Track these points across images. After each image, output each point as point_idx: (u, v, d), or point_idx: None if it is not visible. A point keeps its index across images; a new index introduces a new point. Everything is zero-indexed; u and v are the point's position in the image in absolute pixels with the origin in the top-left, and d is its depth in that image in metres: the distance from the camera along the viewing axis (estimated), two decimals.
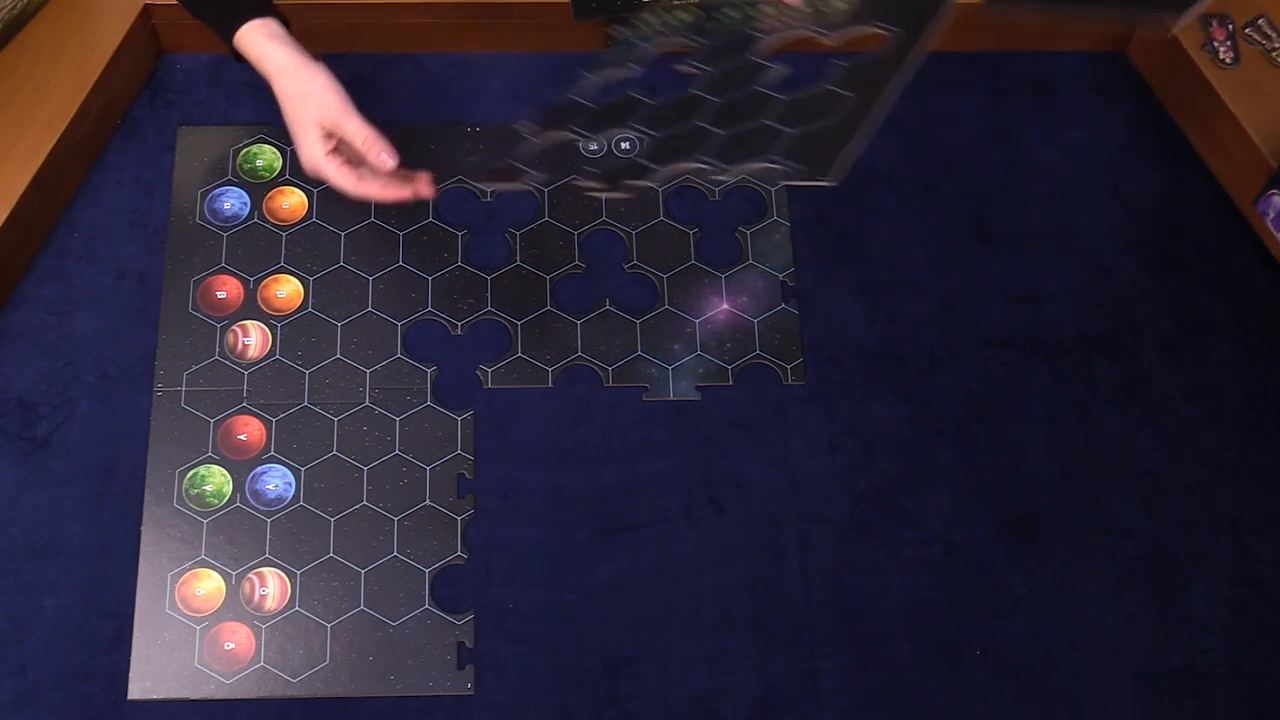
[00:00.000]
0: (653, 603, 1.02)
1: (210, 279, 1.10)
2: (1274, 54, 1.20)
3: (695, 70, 0.97)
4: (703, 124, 0.93)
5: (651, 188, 1.09)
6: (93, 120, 1.13)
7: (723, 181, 1.17)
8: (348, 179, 0.97)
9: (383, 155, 0.97)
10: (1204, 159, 1.23)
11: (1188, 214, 1.21)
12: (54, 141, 1.08)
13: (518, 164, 0.98)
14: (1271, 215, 1.15)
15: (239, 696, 0.97)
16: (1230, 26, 1.21)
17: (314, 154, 0.97)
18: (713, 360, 1.11)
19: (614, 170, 1.05)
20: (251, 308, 1.10)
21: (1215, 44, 1.21)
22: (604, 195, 1.14)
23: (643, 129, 0.95)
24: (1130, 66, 1.27)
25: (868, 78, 0.94)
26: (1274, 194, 1.14)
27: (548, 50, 1.23)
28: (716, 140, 0.92)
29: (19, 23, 1.13)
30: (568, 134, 0.98)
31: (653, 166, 0.92)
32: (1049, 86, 1.26)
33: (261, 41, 0.99)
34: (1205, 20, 1.22)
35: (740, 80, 0.96)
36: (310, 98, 0.97)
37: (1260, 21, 1.22)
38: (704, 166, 0.91)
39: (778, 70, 0.96)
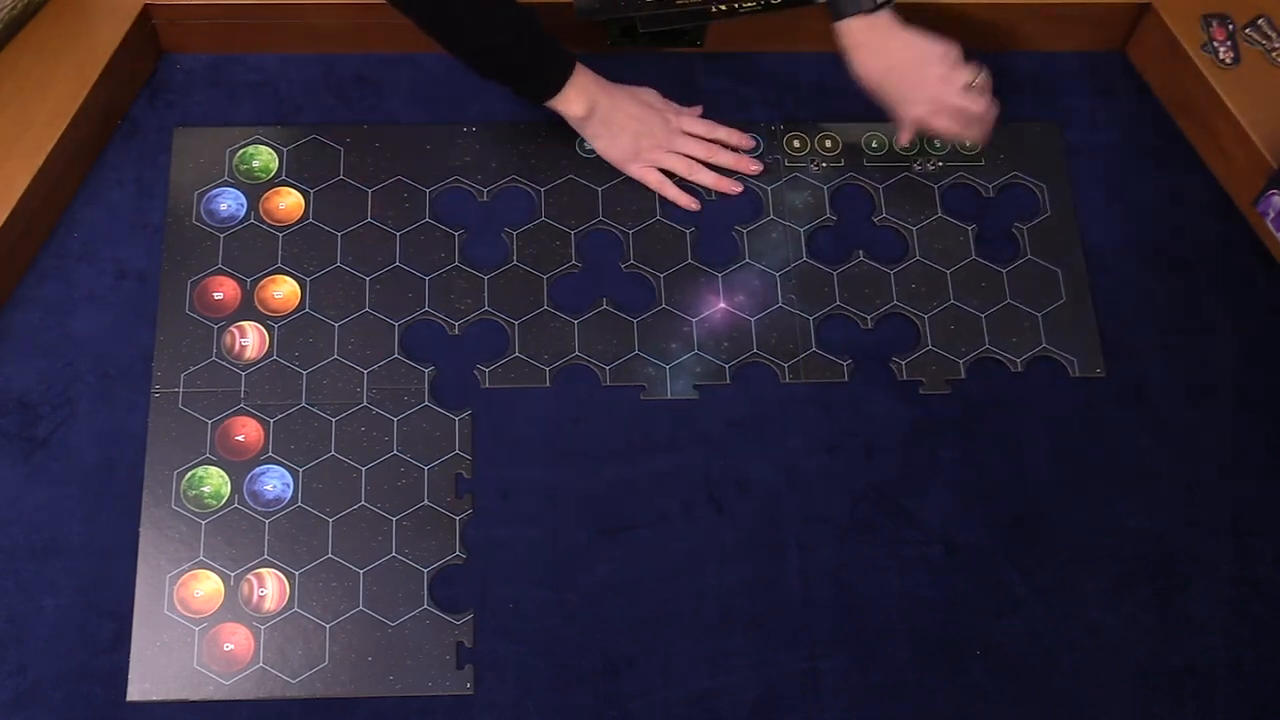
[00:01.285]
0: (652, 603, 1.02)
1: (207, 280, 1.10)
2: (1274, 54, 1.20)
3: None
4: None
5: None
6: (93, 120, 1.13)
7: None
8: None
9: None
10: (1204, 159, 1.22)
11: (1188, 214, 1.21)
12: (54, 141, 1.09)
13: None
14: (1271, 215, 1.15)
15: (238, 697, 0.97)
16: (1230, 26, 1.21)
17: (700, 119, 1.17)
18: (710, 359, 1.11)
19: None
20: (249, 309, 1.09)
21: (1215, 44, 1.20)
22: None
23: None
24: (1130, 66, 1.27)
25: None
26: (1274, 194, 1.14)
27: None
28: None
29: (19, 22, 1.13)
30: None
31: None
32: (1049, 86, 1.25)
33: (587, 73, 1.11)
34: (1205, 20, 1.22)
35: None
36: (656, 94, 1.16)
37: (1260, 21, 1.22)
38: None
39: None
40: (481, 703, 0.98)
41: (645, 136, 1.14)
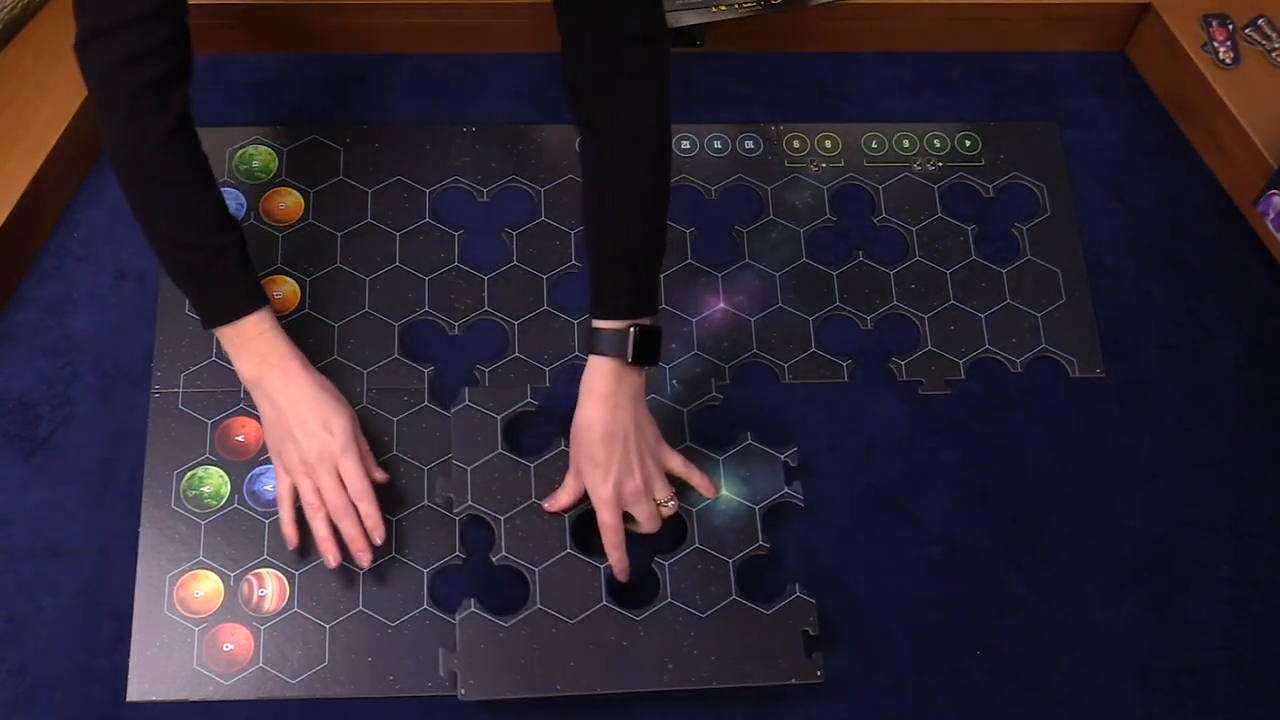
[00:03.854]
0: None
1: None
2: (1274, 54, 1.20)
3: None
4: None
5: None
6: (93, 120, 1.13)
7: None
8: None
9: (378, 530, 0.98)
10: (1204, 159, 1.22)
11: (1188, 214, 1.21)
12: (54, 141, 1.09)
13: None
14: (1271, 215, 1.15)
15: (238, 698, 0.97)
16: (1230, 26, 1.21)
17: (360, 472, 0.97)
18: (710, 359, 1.11)
19: None
20: None
21: (1215, 44, 1.20)
22: None
23: None
24: (1130, 66, 1.27)
25: None
26: (1274, 194, 1.14)
27: (548, 50, 1.23)
28: None
29: (19, 23, 1.13)
30: None
31: None
32: (1049, 86, 1.25)
33: (281, 341, 0.96)
34: (1205, 20, 1.22)
35: None
36: (351, 417, 0.98)
37: (1260, 21, 1.22)
38: None
39: None
40: (482, 702, 0.98)
41: (293, 443, 0.96)
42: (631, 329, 0.94)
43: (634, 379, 0.95)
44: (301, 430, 0.96)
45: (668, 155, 0.96)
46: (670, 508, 0.99)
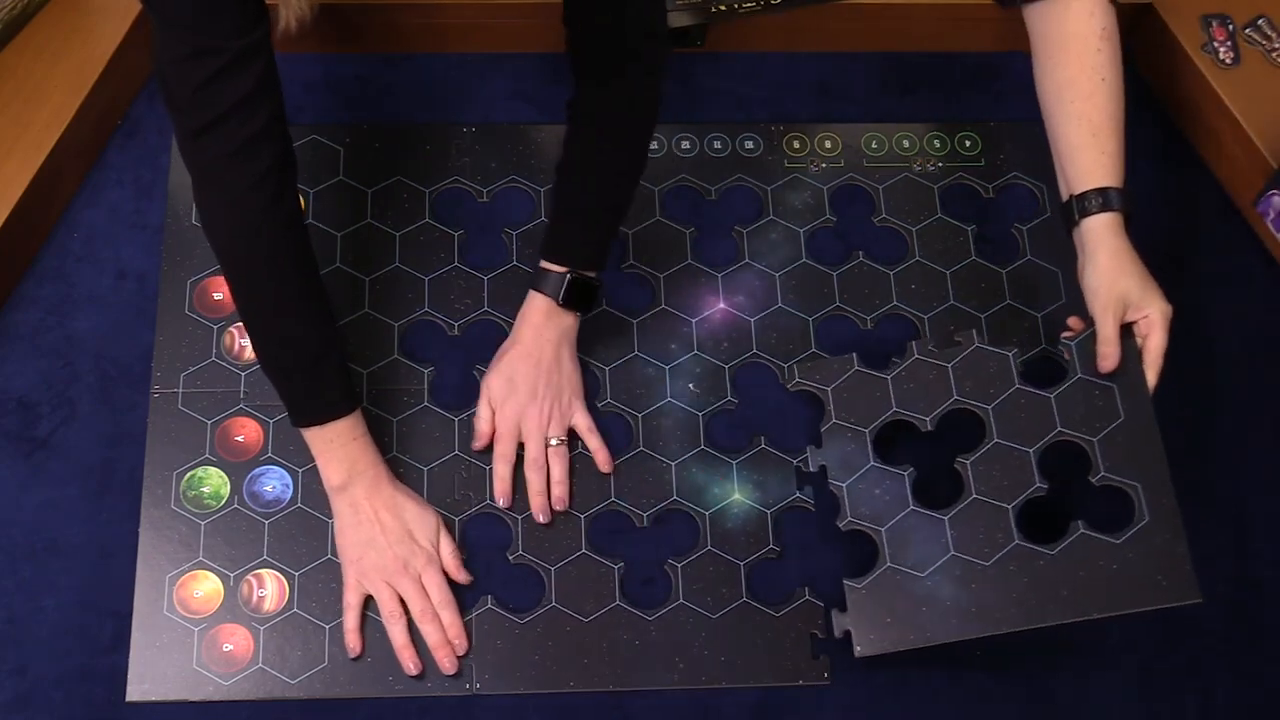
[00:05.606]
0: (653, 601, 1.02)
1: (207, 280, 1.10)
2: (1274, 54, 1.20)
3: None
4: None
5: None
6: (93, 120, 1.13)
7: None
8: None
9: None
10: (1204, 159, 1.22)
11: (1188, 214, 1.21)
12: (54, 141, 1.09)
13: None
14: (1271, 215, 1.15)
15: (237, 698, 0.97)
16: (1230, 27, 1.21)
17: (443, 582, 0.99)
18: (710, 359, 1.11)
19: None
20: None
21: (1215, 44, 1.20)
22: None
23: None
24: (1130, 66, 1.27)
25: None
26: (1274, 194, 1.14)
27: (548, 50, 1.23)
28: None
29: (19, 23, 1.13)
30: None
31: None
32: None
33: (371, 448, 0.98)
34: (1205, 20, 1.22)
35: None
36: (435, 525, 1.01)
37: (1260, 22, 1.22)
38: None
39: None
40: (482, 703, 0.98)
41: (376, 551, 0.97)
42: (569, 275, 1.00)
43: (565, 320, 1.02)
44: (385, 539, 0.97)
45: (649, 137, 1.01)
46: (555, 447, 1.03)
